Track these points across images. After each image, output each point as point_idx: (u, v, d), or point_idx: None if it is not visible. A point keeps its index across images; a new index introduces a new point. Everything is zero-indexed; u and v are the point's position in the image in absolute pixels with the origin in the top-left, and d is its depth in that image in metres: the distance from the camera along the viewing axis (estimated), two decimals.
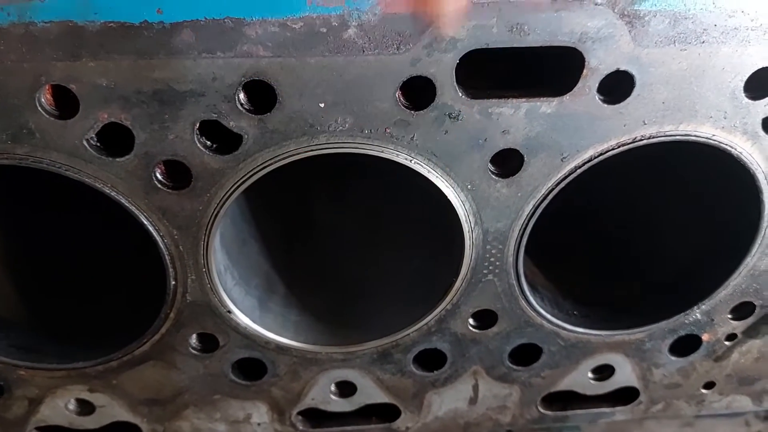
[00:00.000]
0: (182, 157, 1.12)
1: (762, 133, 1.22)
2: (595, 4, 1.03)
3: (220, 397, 1.55)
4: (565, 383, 1.65)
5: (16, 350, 1.42)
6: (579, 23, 1.04)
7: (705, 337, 1.59)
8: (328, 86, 1.07)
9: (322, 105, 1.09)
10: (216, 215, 1.19)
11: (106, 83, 1.03)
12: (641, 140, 1.20)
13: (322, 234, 1.75)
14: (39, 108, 1.04)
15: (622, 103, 1.15)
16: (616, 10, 1.04)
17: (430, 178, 1.19)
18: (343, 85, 1.07)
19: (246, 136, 1.11)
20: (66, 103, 1.05)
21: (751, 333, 1.59)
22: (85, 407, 1.53)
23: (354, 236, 1.71)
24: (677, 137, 1.20)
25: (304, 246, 1.72)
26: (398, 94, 1.09)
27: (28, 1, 0.95)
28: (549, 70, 1.14)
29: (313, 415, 1.65)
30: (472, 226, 1.28)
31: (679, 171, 1.52)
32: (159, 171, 1.15)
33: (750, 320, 1.56)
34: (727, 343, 1.61)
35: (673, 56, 1.10)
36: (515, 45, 1.05)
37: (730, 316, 1.55)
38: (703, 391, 1.74)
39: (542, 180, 1.23)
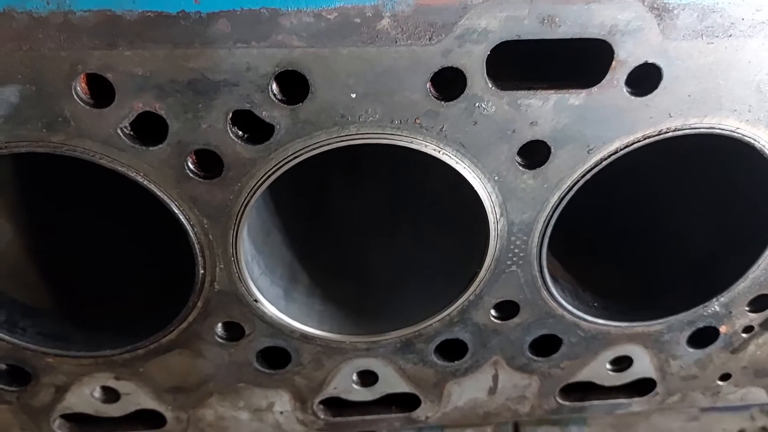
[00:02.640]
0: (215, 146, 1.13)
1: None
2: None
3: (244, 386, 1.57)
4: (584, 374, 1.66)
5: (44, 338, 1.43)
6: (609, 16, 1.05)
7: (722, 329, 1.60)
8: (359, 77, 1.08)
9: (353, 95, 1.10)
10: (246, 205, 1.21)
11: (142, 72, 1.03)
12: (667, 132, 1.21)
13: (345, 224, 1.76)
14: (75, 96, 1.05)
15: (649, 96, 1.15)
16: (645, 3, 1.05)
17: (457, 169, 1.20)
18: (374, 76, 1.08)
19: (278, 126, 1.11)
20: (101, 92, 1.06)
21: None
22: (111, 395, 1.55)
23: (377, 226, 1.72)
24: (702, 130, 1.21)
25: (328, 236, 1.73)
26: (429, 85, 1.10)
27: None
28: (575, 62, 1.15)
29: (335, 404, 1.67)
30: (498, 217, 1.29)
31: (700, 163, 1.53)
32: (191, 160, 1.16)
33: (767, 313, 1.58)
34: (744, 335, 1.63)
35: (701, 49, 1.11)
36: (546, 37, 1.06)
37: (747, 308, 1.56)
38: (719, 382, 1.75)
39: (568, 172, 1.24)
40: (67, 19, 0.98)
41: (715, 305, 1.54)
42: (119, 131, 1.10)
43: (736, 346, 1.65)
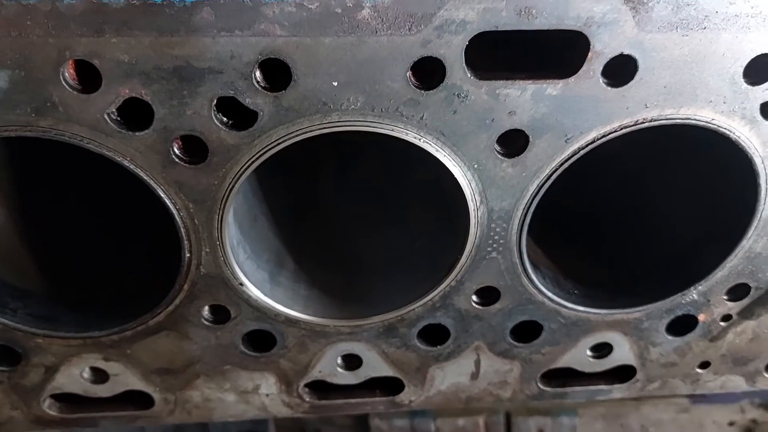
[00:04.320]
0: (199, 132, 1.16)
1: (760, 117, 1.25)
2: None
3: (230, 368, 1.59)
4: (565, 360, 1.69)
5: (34, 319, 1.46)
6: (585, 8, 1.08)
7: (701, 317, 1.63)
8: (341, 65, 1.10)
9: (335, 84, 1.12)
10: (231, 189, 1.23)
11: (128, 59, 1.06)
12: (643, 123, 1.23)
13: (330, 211, 1.79)
14: (63, 82, 1.08)
15: (625, 87, 1.18)
16: None
17: (438, 156, 1.23)
18: (355, 65, 1.11)
19: (261, 113, 1.14)
20: (89, 78, 1.09)
21: (745, 314, 1.63)
22: (100, 376, 1.57)
23: (361, 213, 1.75)
24: (678, 121, 1.24)
25: (313, 223, 1.76)
26: (409, 74, 1.13)
27: None
28: (553, 52, 1.17)
29: (320, 387, 1.70)
30: (478, 204, 1.32)
31: (678, 154, 1.55)
32: (177, 146, 1.18)
33: (745, 301, 1.60)
34: (722, 323, 1.65)
35: (675, 41, 1.14)
36: (523, 28, 1.08)
37: (725, 297, 1.59)
38: (699, 370, 1.78)
39: (546, 160, 1.27)
40: (55, 6, 1.00)
41: (693, 293, 1.56)
42: (106, 116, 1.12)
43: (715, 334, 1.68)
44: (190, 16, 1.03)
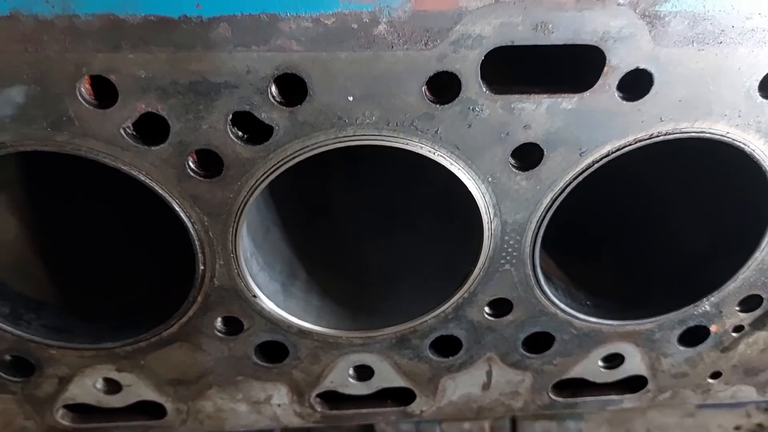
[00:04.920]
0: (215, 146, 1.16)
1: None
2: (618, 5, 1.07)
3: (242, 379, 1.59)
4: (576, 371, 1.69)
5: (48, 330, 1.46)
6: (602, 22, 1.08)
7: (713, 328, 1.62)
8: (357, 80, 1.10)
9: (350, 98, 1.12)
10: (246, 203, 1.23)
11: (145, 74, 1.06)
12: (658, 136, 1.23)
13: (343, 222, 1.79)
14: (79, 97, 1.08)
15: (640, 101, 1.18)
16: (637, 11, 1.08)
17: (452, 170, 1.23)
18: (371, 80, 1.11)
19: (277, 128, 1.14)
20: (105, 93, 1.09)
21: (757, 325, 1.63)
22: (113, 386, 1.58)
23: (374, 225, 1.75)
24: (692, 134, 1.24)
25: (325, 234, 1.76)
26: (424, 88, 1.13)
27: None
28: (568, 67, 1.17)
29: (331, 398, 1.70)
30: (492, 217, 1.32)
31: (692, 166, 1.55)
32: (192, 160, 1.19)
33: (757, 312, 1.60)
34: (734, 334, 1.65)
35: (691, 56, 1.14)
36: (539, 43, 1.08)
37: (738, 308, 1.59)
38: (710, 380, 1.77)
39: (561, 174, 1.27)
40: (72, 22, 1.01)
41: (705, 305, 1.56)
42: (122, 131, 1.13)
43: (727, 344, 1.68)
44: (206, 32, 1.03)
